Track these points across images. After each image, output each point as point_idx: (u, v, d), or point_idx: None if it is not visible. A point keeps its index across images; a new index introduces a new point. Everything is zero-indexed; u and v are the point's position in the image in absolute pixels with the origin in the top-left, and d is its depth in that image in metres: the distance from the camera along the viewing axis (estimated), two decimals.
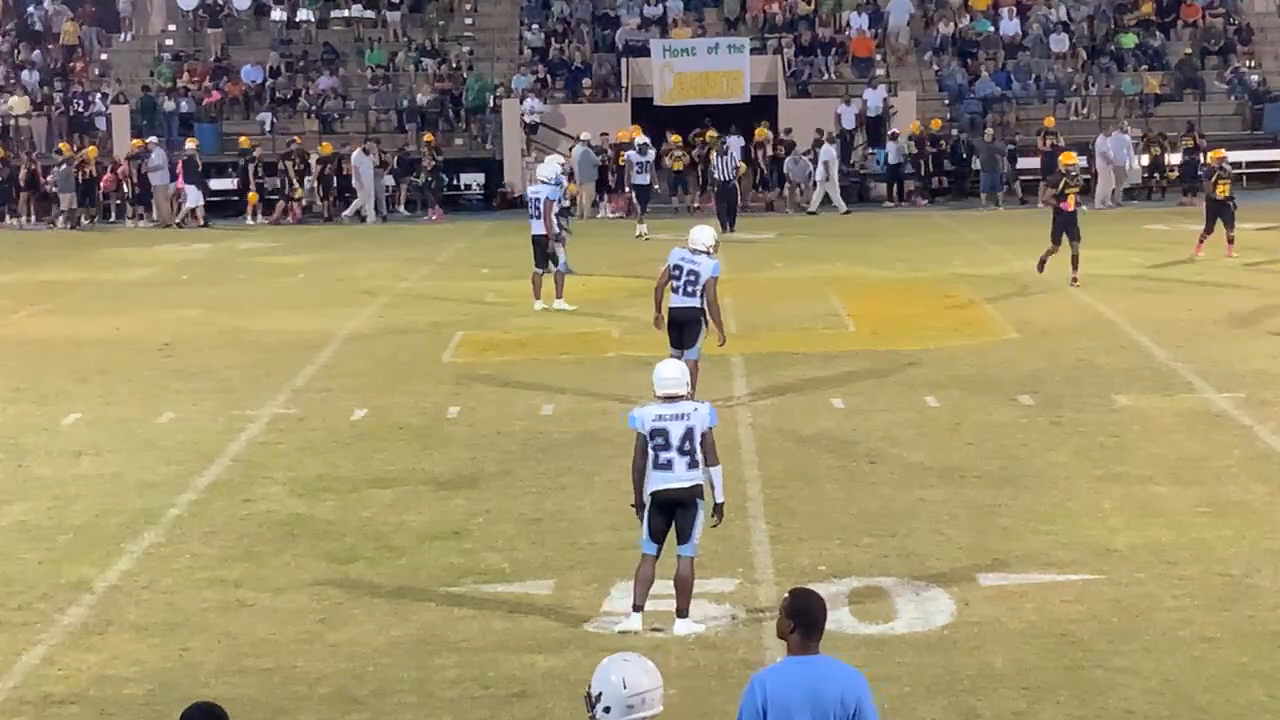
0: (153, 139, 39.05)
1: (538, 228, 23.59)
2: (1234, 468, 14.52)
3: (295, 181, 38.47)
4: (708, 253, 16.58)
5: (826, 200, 37.75)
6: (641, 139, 36.10)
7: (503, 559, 12.49)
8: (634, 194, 35.27)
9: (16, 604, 11.77)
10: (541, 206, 23.54)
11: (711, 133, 37.93)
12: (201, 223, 37.61)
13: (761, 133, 39.04)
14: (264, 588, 11.96)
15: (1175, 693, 9.68)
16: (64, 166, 38.20)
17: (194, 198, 37.90)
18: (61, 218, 38.24)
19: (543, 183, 24.24)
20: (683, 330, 16.72)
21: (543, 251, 23.56)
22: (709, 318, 16.58)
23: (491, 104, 40.78)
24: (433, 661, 10.48)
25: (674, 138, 38.43)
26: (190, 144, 38.60)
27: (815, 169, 37.80)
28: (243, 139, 39.65)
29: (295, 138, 40.19)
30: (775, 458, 15.22)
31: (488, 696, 9.92)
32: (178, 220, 37.92)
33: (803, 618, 6.76)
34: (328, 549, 12.85)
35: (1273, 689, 9.72)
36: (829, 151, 37.56)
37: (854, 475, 14.57)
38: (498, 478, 14.80)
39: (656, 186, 37.04)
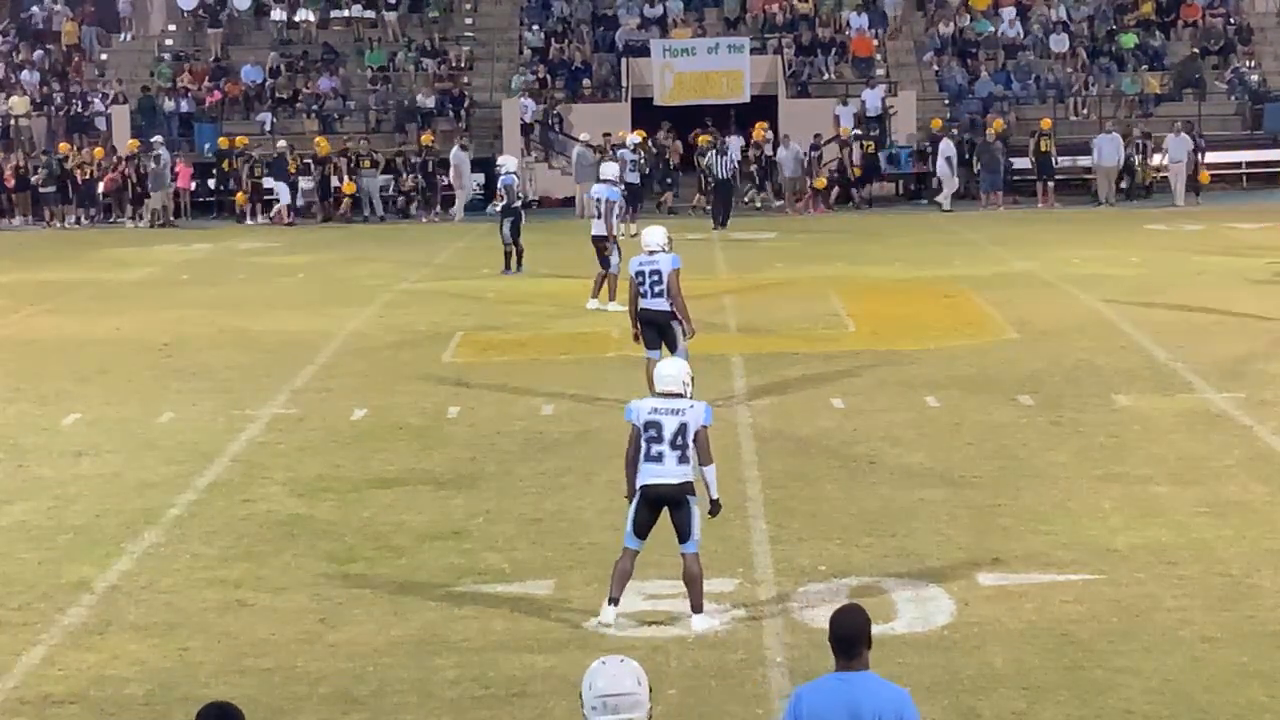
0: (157, 138, 39.08)
1: (597, 228, 23.65)
2: (1234, 468, 14.52)
3: (349, 178, 38.53)
4: (663, 250, 16.66)
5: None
6: (634, 138, 36.20)
7: (503, 559, 12.49)
8: (625, 193, 35.34)
9: (16, 604, 11.77)
10: (603, 208, 23.63)
11: (761, 126, 38.29)
12: (287, 221, 37.67)
13: (760, 133, 39.01)
14: (264, 588, 11.95)
15: (1175, 693, 9.68)
16: (153, 165, 38.30)
17: (284, 196, 37.95)
18: (148, 216, 38.27)
19: (604, 183, 24.33)
20: (661, 332, 16.74)
21: (602, 252, 23.62)
22: (676, 312, 16.62)
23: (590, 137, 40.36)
24: (433, 661, 10.48)
25: (703, 138, 38.51)
26: (281, 143, 38.72)
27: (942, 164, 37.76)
28: (221, 140, 39.76)
29: (298, 136, 40.25)
30: (775, 458, 15.22)
31: (488, 696, 9.92)
32: (270, 216, 38.01)
33: (836, 639, 6.74)
34: (328, 549, 12.85)
35: (1273, 689, 9.71)
36: (948, 147, 37.50)
37: (854, 475, 14.57)
38: (498, 478, 14.80)
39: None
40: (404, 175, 39.15)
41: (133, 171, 38.87)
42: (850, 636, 6.70)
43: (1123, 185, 38.55)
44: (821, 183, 38.33)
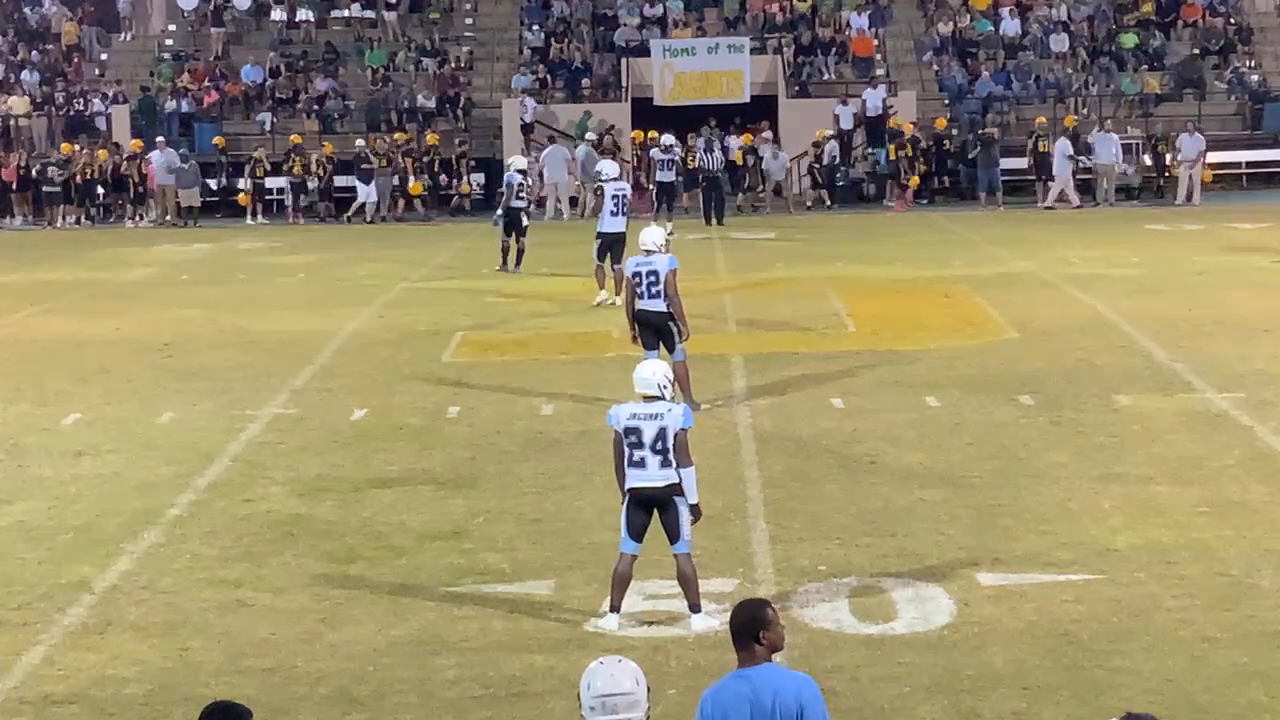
0: (160, 139, 39.12)
1: (610, 224, 23.64)
2: (1234, 468, 14.52)
3: (413, 176, 38.55)
4: (660, 250, 16.69)
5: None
6: (668, 138, 36.44)
7: (503, 559, 12.49)
8: (655, 192, 35.92)
9: (16, 604, 11.77)
10: (627, 204, 23.71)
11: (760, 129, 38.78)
12: (368, 219, 37.72)
13: (746, 139, 39.05)
14: (264, 588, 11.96)
15: (1175, 693, 9.68)
16: (190, 165, 38.27)
17: (364, 194, 38.04)
18: (175, 214, 38.24)
19: (619, 180, 24.35)
20: (658, 333, 16.75)
21: (619, 247, 23.51)
22: (673, 313, 16.62)
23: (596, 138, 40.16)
24: (433, 661, 10.48)
25: (744, 137, 38.57)
26: (360, 141, 38.77)
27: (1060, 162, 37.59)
28: (218, 139, 39.86)
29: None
30: (775, 458, 15.22)
31: (488, 696, 9.93)
32: (347, 216, 38.08)
33: (730, 632, 6.85)
34: (328, 549, 12.85)
35: (1273, 689, 9.72)
36: (1064, 145, 37.48)
37: (854, 475, 14.57)
38: (498, 478, 14.80)
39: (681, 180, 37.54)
40: (465, 177, 39.15)
41: (134, 170, 38.83)
42: (739, 629, 6.79)
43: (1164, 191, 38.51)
44: (915, 181, 38.44)
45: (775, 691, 6.59)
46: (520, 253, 27.91)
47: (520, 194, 27.80)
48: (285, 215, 38.78)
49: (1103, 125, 38.62)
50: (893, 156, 38.80)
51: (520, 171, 28.07)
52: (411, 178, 38.61)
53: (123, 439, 16.59)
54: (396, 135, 39.84)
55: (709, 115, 39.99)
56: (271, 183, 39.06)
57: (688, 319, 16.94)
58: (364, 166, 38.24)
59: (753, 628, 6.76)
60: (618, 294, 23.31)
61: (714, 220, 35.50)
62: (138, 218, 38.76)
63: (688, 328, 16.84)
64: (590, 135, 38.21)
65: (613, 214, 23.73)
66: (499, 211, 28.20)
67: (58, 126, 42.57)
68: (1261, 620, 10.83)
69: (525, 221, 27.85)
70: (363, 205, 38.13)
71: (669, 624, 10.97)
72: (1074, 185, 37.54)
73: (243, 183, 38.90)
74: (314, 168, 38.63)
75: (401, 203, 38.57)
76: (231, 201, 39.20)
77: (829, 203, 38.58)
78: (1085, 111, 41.83)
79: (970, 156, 38.72)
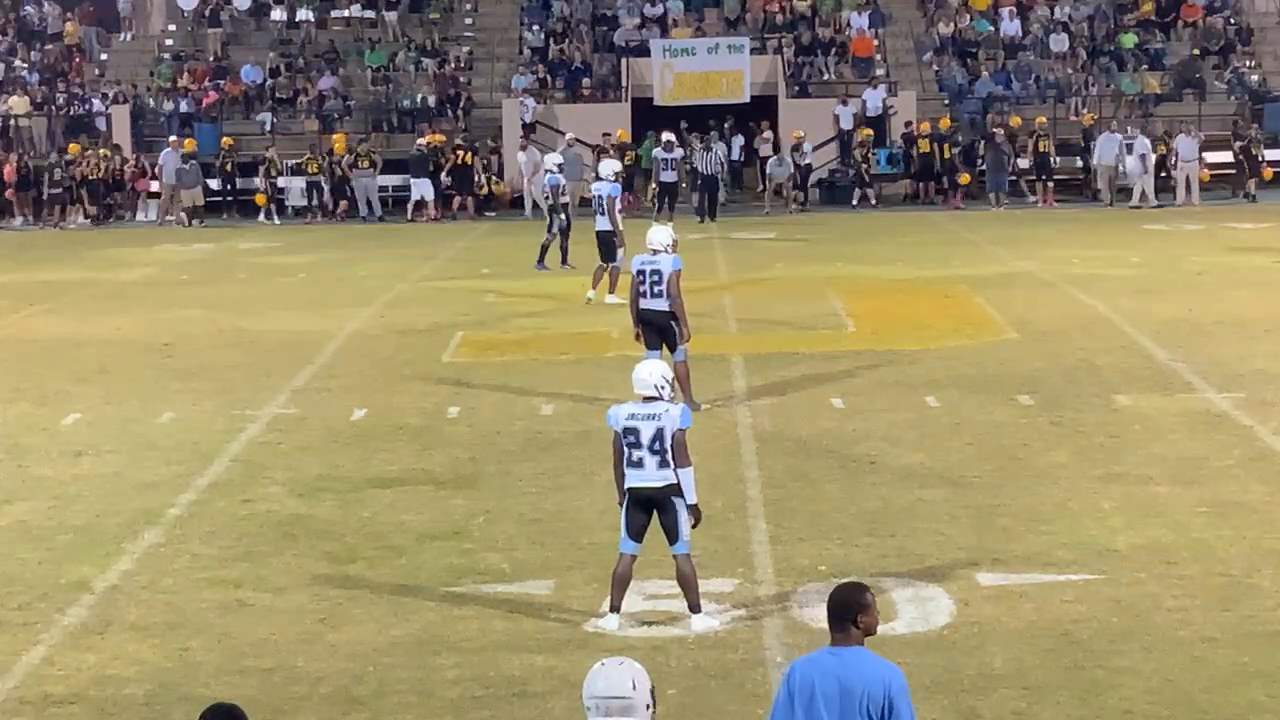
0: (174, 138, 39.13)
1: (600, 224, 23.78)
2: (1234, 468, 14.52)
3: (481, 175, 38.52)
4: (665, 251, 16.69)
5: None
6: (668, 137, 36.51)
7: (503, 559, 12.49)
8: (658, 191, 36.04)
9: (16, 604, 11.77)
10: (605, 203, 23.77)
11: (796, 134, 38.96)
12: (433, 217, 37.70)
13: (796, 135, 38.95)
14: (264, 588, 11.96)
15: (1175, 693, 9.68)
16: (190, 164, 38.23)
17: (427, 193, 37.96)
18: (181, 214, 38.13)
19: (602, 179, 24.45)
20: (660, 333, 16.74)
21: (608, 246, 23.71)
22: (675, 313, 16.63)
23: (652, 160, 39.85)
24: (433, 661, 10.48)
25: (795, 134, 38.65)
26: (421, 140, 38.71)
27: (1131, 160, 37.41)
28: (225, 139, 39.82)
29: (298, 137, 40.25)
30: (775, 458, 15.22)
31: (488, 696, 9.93)
32: (409, 217, 37.96)
33: (828, 611, 6.94)
34: (328, 549, 12.85)
35: (1273, 689, 9.72)
36: (1144, 144, 37.38)
37: (854, 475, 14.57)
38: (498, 478, 14.80)
39: (684, 184, 37.54)
40: (478, 176, 39.16)
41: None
42: (836, 610, 6.88)
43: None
44: (966, 178, 38.48)
45: (865, 680, 6.69)
46: (543, 249, 27.84)
47: (547, 194, 27.85)
48: (286, 214, 38.76)
49: (1108, 126, 38.59)
50: (947, 155, 38.81)
51: (549, 171, 27.88)
52: (488, 176, 38.52)
53: (123, 439, 16.59)
54: (439, 136, 39.78)
55: (709, 116, 40.02)
56: (281, 182, 38.99)
57: (689, 320, 16.93)
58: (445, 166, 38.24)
59: (850, 611, 6.86)
60: (596, 283, 23.47)
61: (708, 218, 35.87)
62: (171, 216, 38.60)
63: (689, 329, 16.83)
64: (570, 135, 38.17)
65: (597, 213, 23.92)
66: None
67: (58, 126, 42.56)
68: (1261, 620, 10.83)
69: (551, 219, 27.69)
70: (423, 203, 38.07)
71: (669, 624, 10.97)
72: (1154, 184, 37.47)
73: (258, 182, 38.85)
74: (360, 163, 38.40)
75: (471, 201, 38.43)
76: (236, 201, 39.16)
77: (874, 201, 38.56)
78: (1085, 111, 41.82)
79: (979, 155, 38.71)
